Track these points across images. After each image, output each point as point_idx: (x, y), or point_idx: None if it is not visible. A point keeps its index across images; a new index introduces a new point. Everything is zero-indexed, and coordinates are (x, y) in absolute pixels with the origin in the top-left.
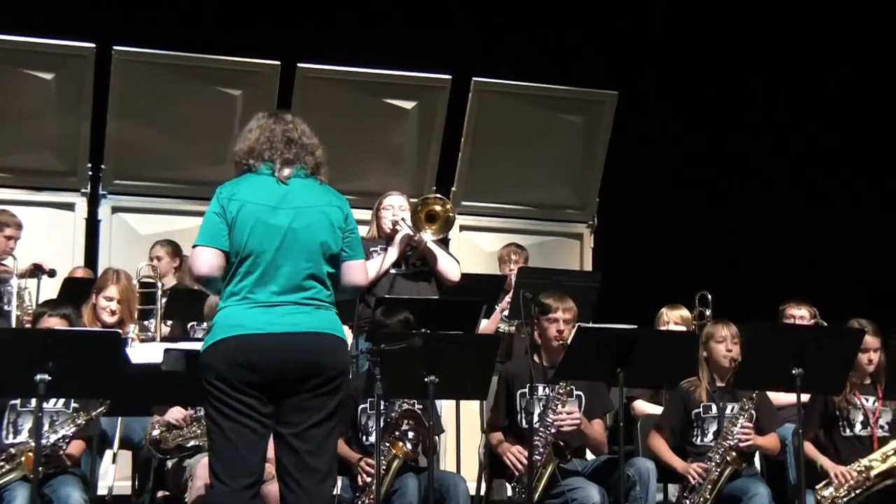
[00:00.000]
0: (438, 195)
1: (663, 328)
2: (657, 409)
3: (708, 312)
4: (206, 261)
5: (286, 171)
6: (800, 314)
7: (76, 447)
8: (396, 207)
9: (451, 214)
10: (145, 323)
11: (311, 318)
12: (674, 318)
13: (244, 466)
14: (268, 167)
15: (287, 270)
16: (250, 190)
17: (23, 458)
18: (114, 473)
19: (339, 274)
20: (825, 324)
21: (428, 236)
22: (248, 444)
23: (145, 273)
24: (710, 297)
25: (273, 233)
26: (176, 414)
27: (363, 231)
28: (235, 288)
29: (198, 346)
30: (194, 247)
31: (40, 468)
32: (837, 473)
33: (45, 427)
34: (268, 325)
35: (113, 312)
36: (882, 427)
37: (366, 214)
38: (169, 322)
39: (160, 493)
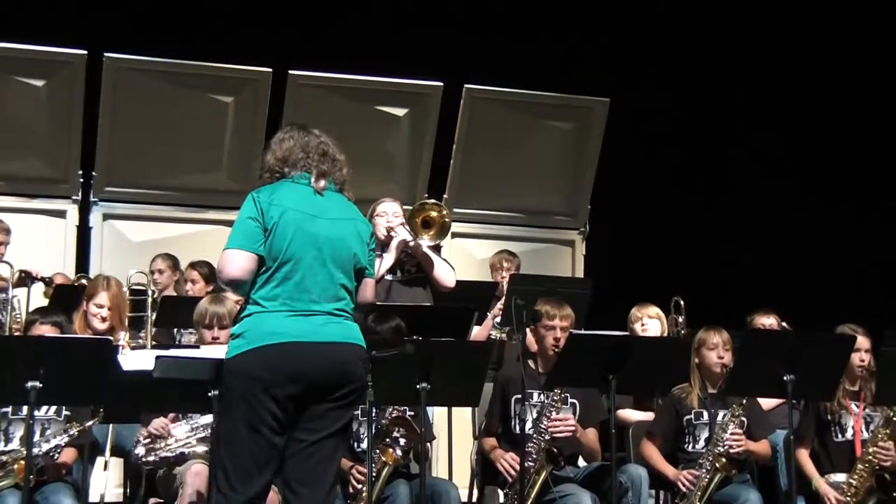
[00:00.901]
0: (434, 201)
1: (637, 324)
2: (643, 416)
3: (681, 319)
4: (240, 264)
5: (322, 183)
6: (769, 322)
7: (68, 455)
8: (390, 214)
9: (446, 220)
10: (137, 331)
11: (343, 328)
12: (647, 314)
13: (258, 477)
14: (304, 176)
15: (323, 279)
16: (290, 197)
17: (15, 466)
18: (106, 481)
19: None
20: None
21: (424, 242)
22: (266, 454)
23: (136, 280)
24: (682, 303)
25: (312, 241)
26: (157, 424)
27: None
28: (272, 294)
29: (190, 352)
30: (227, 249)
31: (31, 476)
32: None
33: (37, 435)
34: (309, 334)
35: (104, 319)
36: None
37: None
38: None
39: (152, 501)
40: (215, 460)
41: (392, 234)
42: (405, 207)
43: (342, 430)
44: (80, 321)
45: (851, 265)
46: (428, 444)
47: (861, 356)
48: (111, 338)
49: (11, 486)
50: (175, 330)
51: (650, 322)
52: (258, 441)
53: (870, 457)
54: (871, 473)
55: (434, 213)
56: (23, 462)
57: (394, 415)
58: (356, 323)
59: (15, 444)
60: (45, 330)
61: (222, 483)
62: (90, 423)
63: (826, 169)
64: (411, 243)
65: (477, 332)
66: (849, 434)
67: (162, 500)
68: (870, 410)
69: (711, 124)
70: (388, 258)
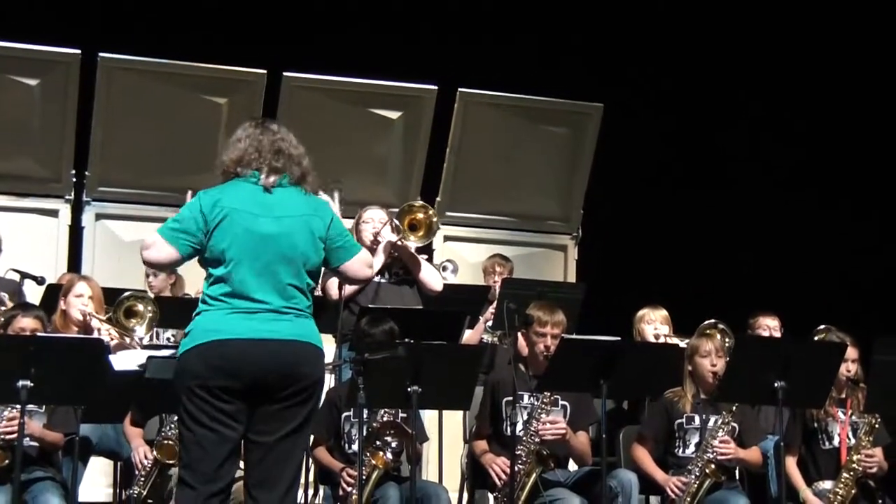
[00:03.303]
0: (421, 202)
1: (649, 325)
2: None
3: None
4: (165, 253)
5: (271, 179)
6: (773, 324)
7: (52, 436)
8: (376, 220)
9: (433, 220)
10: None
11: (292, 326)
12: (661, 316)
13: (214, 472)
14: (254, 175)
15: (266, 278)
16: (235, 197)
17: None
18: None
19: (343, 276)
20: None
21: (411, 244)
22: (221, 450)
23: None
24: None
25: (255, 240)
26: (141, 457)
27: None
28: (216, 292)
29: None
30: (159, 232)
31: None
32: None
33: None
34: (249, 331)
35: (84, 306)
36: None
37: (349, 224)
38: None
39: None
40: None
41: (379, 238)
42: (392, 210)
43: (297, 429)
44: (58, 319)
45: (845, 269)
46: (421, 445)
47: (848, 366)
48: (104, 338)
49: None
50: (154, 331)
51: (663, 326)
52: (208, 436)
53: (854, 465)
54: (856, 481)
55: (420, 215)
56: None
57: (384, 419)
58: (310, 319)
59: None
60: (27, 323)
61: (183, 479)
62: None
63: (824, 174)
64: (398, 243)
65: (469, 336)
66: (835, 442)
67: (153, 501)
68: (856, 418)
69: (706, 129)
70: (377, 260)
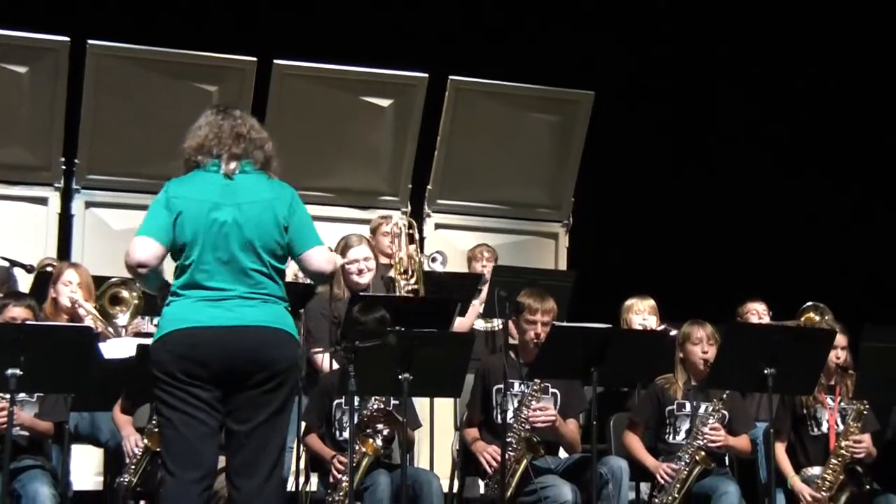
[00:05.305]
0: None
1: (637, 316)
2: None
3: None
4: (147, 248)
5: (232, 165)
6: (761, 309)
7: (43, 425)
8: (361, 259)
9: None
10: (116, 321)
11: (258, 311)
12: (649, 306)
13: (194, 458)
14: (215, 164)
15: (230, 265)
16: (195, 187)
17: None
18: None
19: (301, 265)
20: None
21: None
22: (198, 436)
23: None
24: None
25: (215, 228)
26: (132, 445)
27: None
28: (181, 283)
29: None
30: (137, 235)
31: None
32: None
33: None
34: (213, 319)
35: (73, 293)
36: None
37: (340, 212)
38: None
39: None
40: None
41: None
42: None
43: (274, 415)
44: (49, 307)
45: (835, 257)
46: (412, 432)
47: (837, 353)
48: (91, 325)
49: None
50: (140, 317)
51: (651, 317)
52: (185, 424)
53: (842, 451)
54: (844, 467)
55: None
56: None
57: (375, 407)
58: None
59: None
60: (18, 312)
61: (165, 466)
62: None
63: (814, 160)
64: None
65: (462, 321)
66: (824, 428)
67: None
68: (845, 404)
69: (697, 117)
70: None
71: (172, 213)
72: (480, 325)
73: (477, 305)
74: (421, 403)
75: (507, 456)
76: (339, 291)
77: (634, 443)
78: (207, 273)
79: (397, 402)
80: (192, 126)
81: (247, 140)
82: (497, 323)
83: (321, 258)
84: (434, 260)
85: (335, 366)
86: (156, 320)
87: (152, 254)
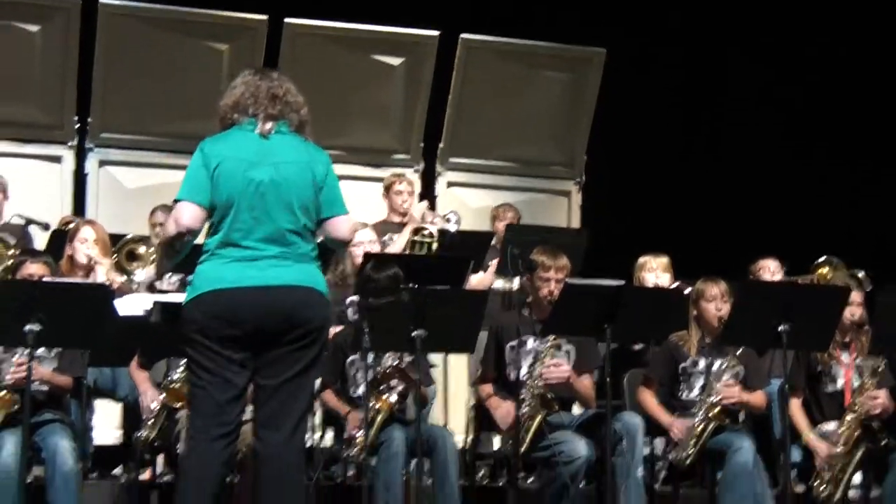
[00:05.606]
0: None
1: (650, 274)
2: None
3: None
4: (192, 214)
5: (268, 126)
6: (774, 266)
7: (61, 380)
8: (367, 242)
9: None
10: (132, 277)
11: (291, 271)
12: (662, 264)
13: (220, 418)
14: (251, 123)
15: (266, 225)
16: (231, 145)
17: None
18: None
19: (324, 230)
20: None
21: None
22: (228, 398)
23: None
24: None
25: (251, 187)
26: (149, 401)
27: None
28: (215, 242)
29: (180, 298)
30: (176, 201)
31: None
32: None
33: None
34: (247, 279)
35: (89, 250)
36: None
37: (352, 170)
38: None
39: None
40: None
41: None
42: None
43: (303, 371)
44: (65, 264)
45: (851, 214)
46: (426, 389)
47: (852, 310)
48: (107, 281)
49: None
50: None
51: (664, 275)
52: (211, 379)
53: (858, 406)
54: (860, 423)
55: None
56: (1, 394)
57: (389, 363)
58: (317, 264)
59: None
60: (36, 269)
61: (191, 422)
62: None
63: (826, 119)
64: None
65: (481, 279)
66: (839, 384)
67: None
68: (860, 361)
69: (710, 73)
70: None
71: (209, 171)
72: (499, 284)
73: (494, 264)
74: (435, 361)
75: (521, 412)
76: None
77: (649, 399)
78: (243, 232)
79: (410, 359)
80: (228, 86)
81: (283, 102)
82: (516, 282)
83: (345, 226)
84: (448, 220)
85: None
86: (173, 277)
87: (198, 218)
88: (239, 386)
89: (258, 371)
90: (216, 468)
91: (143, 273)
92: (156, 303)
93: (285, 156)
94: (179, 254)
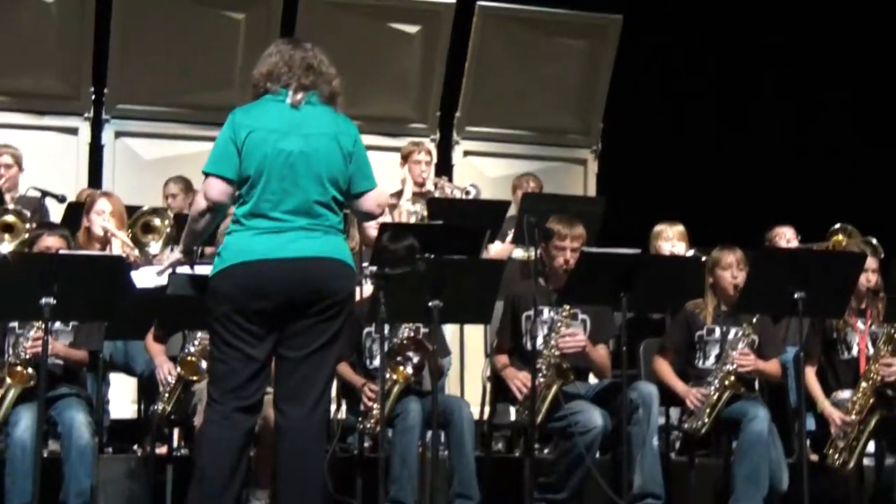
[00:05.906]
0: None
1: (666, 243)
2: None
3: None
4: (221, 189)
5: (299, 96)
6: (790, 234)
7: (77, 354)
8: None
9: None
10: (147, 249)
11: (319, 243)
12: (678, 232)
13: (241, 392)
14: (283, 93)
15: (295, 196)
16: (262, 115)
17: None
18: (120, 397)
19: (351, 203)
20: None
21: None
22: (250, 374)
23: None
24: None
25: (281, 158)
26: (165, 374)
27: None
28: (244, 212)
29: (202, 270)
30: (205, 173)
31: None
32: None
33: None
34: (276, 251)
35: (106, 222)
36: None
37: (370, 139)
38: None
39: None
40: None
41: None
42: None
43: (327, 344)
44: (82, 236)
45: (864, 183)
46: (442, 360)
47: (868, 276)
48: (123, 254)
49: (17, 395)
50: (169, 248)
51: (680, 243)
52: (234, 355)
53: (873, 374)
54: (874, 390)
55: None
56: (18, 369)
57: (405, 334)
58: (341, 235)
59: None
60: (53, 241)
61: (210, 395)
62: None
63: (840, 86)
64: None
65: (500, 250)
66: (854, 352)
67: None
68: (875, 328)
69: (725, 40)
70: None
71: (238, 143)
72: (518, 254)
73: (511, 234)
74: (451, 331)
75: (537, 382)
76: (352, 244)
77: (664, 368)
78: (272, 203)
79: (426, 330)
80: (261, 56)
81: (316, 73)
82: (534, 252)
83: (373, 201)
84: (468, 193)
85: None
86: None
87: (226, 193)
88: (260, 360)
89: (282, 343)
90: (235, 441)
91: (157, 246)
92: (171, 275)
93: (315, 127)
94: (209, 228)
